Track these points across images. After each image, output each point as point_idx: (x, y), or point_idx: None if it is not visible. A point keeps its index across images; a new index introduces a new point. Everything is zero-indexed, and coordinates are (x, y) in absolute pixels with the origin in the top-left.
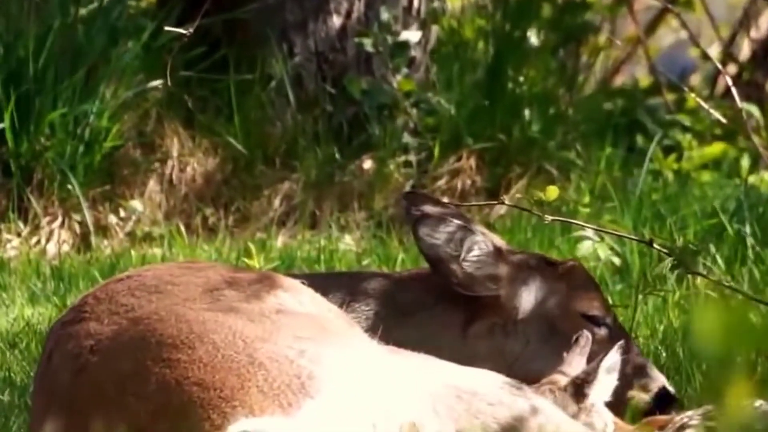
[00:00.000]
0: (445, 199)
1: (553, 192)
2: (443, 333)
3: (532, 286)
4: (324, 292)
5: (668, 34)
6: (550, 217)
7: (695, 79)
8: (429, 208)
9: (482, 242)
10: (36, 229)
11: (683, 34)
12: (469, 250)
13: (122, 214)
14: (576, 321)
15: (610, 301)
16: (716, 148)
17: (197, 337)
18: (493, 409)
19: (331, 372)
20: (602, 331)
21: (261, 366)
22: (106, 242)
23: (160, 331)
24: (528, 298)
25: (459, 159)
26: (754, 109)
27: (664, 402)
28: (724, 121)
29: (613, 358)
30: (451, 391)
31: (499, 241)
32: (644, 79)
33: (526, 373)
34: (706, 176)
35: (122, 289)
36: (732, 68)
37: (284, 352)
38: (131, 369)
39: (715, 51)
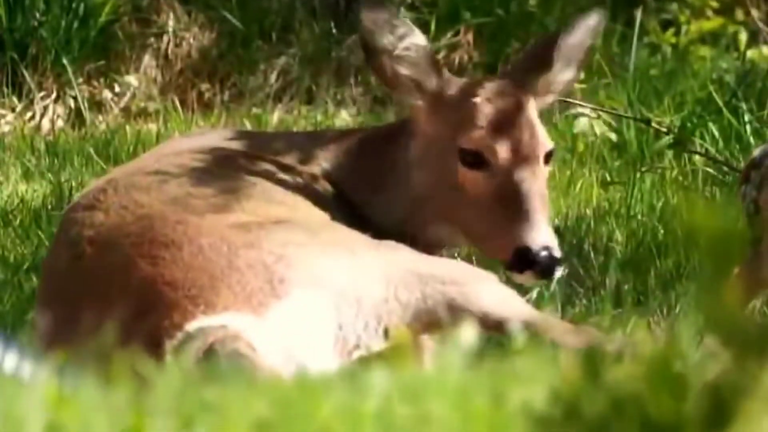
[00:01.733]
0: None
1: None
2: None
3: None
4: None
5: None
6: None
7: None
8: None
9: (422, 47)
10: (30, 104)
11: None
12: (406, 48)
13: (117, 89)
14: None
15: (608, 178)
16: (714, 22)
17: (187, 239)
18: (446, 288)
19: (302, 275)
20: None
21: (237, 270)
22: (101, 118)
23: (156, 230)
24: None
25: (456, 34)
26: None
27: (523, 262)
28: None
29: None
30: (414, 278)
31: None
32: None
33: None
34: (704, 51)
35: (143, 184)
36: None
37: (264, 258)
38: (121, 263)
39: None
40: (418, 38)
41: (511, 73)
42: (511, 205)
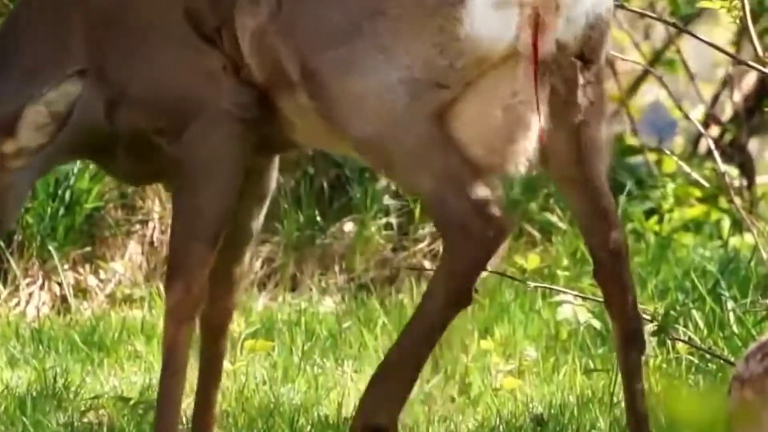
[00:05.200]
0: (427, 264)
1: (533, 261)
2: None
3: None
4: None
5: (653, 91)
6: (532, 284)
7: (678, 139)
8: None
9: None
10: (15, 290)
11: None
12: None
13: (102, 275)
14: None
15: (591, 365)
16: (698, 210)
17: None
18: None
19: None
20: None
21: None
22: (86, 304)
23: None
24: None
25: None
26: (736, 171)
27: None
28: (705, 184)
29: None
30: None
31: None
32: (627, 139)
33: None
34: (687, 238)
35: None
36: (715, 129)
37: None
38: None
39: (698, 111)
40: None
41: None
42: None
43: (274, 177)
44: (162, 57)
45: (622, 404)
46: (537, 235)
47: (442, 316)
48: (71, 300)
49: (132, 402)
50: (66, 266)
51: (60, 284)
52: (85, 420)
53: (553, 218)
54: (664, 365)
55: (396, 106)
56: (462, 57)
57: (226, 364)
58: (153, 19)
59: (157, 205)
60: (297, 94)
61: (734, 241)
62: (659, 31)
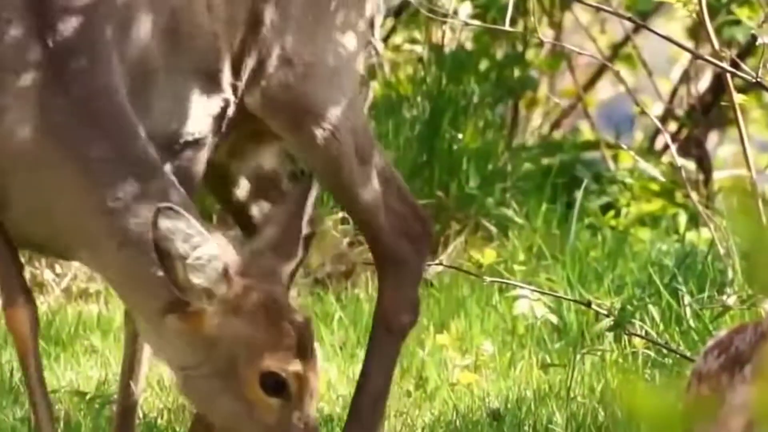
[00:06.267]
0: None
1: (489, 255)
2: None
3: (235, 324)
4: None
5: (610, 85)
6: (489, 279)
7: (635, 133)
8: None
9: (215, 256)
10: None
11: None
12: (199, 258)
13: (59, 269)
14: (253, 373)
15: (548, 360)
16: (654, 204)
17: None
18: None
19: None
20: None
21: None
22: (42, 298)
23: None
24: (226, 333)
25: None
26: (693, 165)
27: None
28: (662, 179)
29: None
30: None
31: (235, 261)
32: (585, 134)
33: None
34: (644, 233)
35: None
36: (672, 124)
37: None
38: None
39: (657, 105)
40: (211, 248)
41: None
42: None
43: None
44: None
45: (579, 399)
46: (493, 229)
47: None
48: None
49: (88, 396)
50: (22, 260)
51: None
52: None
53: (510, 213)
54: (621, 360)
55: None
56: None
57: None
58: None
59: None
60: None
61: (691, 235)
62: (617, 26)
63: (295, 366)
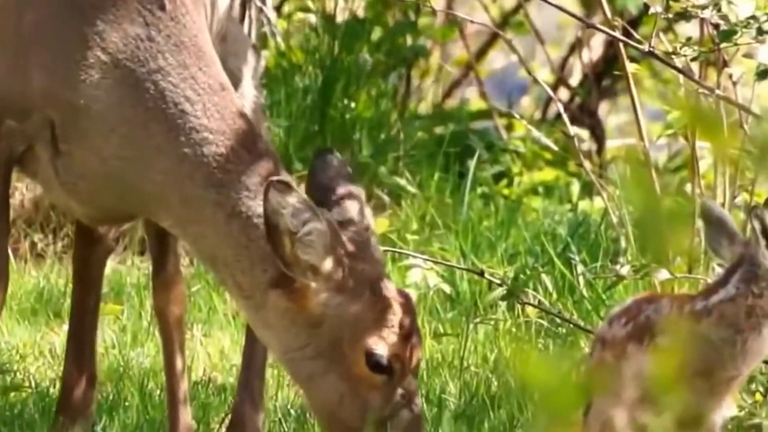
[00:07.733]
0: None
1: (382, 224)
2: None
3: (342, 302)
4: None
5: (502, 55)
6: (381, 248)
7: (527, 102)
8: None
9: (323, 233)
10: None
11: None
12: (308, 233)
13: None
14: (359, 351)
15: (441, 330)
16: (547, 173)
17: None
18: None
19: None
20: (379, 377)
21: None
22: None
23: None
24: (331, 311)
25: None
26: (586, 134)
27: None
28: (555, 148)
29: None
30: None
31: (341, 239)
32: (476, 103)
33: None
34: (537, 202)
35: None
36: (564, 92)
37: None
38: None
39: (547, 74)
40: (320, 225)
41: None
42: None
43: None
44: None
45: (473, 368)
46: (386, 198)
47: None
48: None
49: None
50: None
51: None
52: None
53: (403, 182)
54: (514, 329)
55: None
56: None
57: None
58: None
59: None
60: None
61: (584, 204)
62: None
63: (400, 343)
